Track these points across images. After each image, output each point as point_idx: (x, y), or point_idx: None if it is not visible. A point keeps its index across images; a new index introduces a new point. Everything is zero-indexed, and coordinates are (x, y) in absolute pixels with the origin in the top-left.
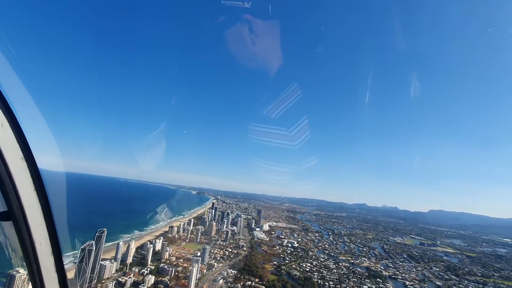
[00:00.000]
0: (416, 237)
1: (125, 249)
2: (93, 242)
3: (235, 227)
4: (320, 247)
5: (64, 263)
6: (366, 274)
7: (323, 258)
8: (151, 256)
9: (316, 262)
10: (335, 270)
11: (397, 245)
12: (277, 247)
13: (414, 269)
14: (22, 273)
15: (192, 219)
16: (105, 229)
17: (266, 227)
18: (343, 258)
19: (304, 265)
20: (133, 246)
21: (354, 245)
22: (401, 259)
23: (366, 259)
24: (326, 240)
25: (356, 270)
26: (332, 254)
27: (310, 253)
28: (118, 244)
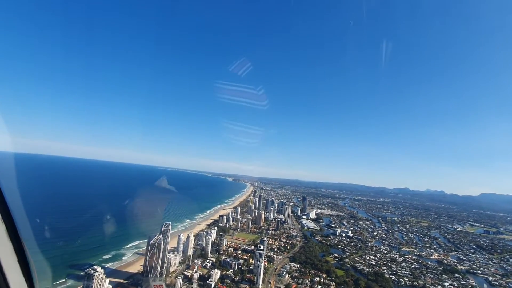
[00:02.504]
0: (475, 224)
1: (185, 240)
2: (161, 236)
3: (282, 215)
4: (377, 237)
5: (26, 250)
6: (440, 268)
7: (384, 249)
8: (210, 247)
9: (379, 254)
10: (404, 264)
11: (459, 234)
12: (331, 237)
13: (490, 262)
14: (99, 271)
15: (239, 208)
16: (170, 222)
17: (312, 214)
18: (406, 249)
19: (368, 258)
20: (192, 238)
21: (412, 234)
22: (471, 250)
23: (432, 250)
24: (380, 228)
25: (427, 263)
26: (392, 244)
27: (369, 244)
28: (179, 236)
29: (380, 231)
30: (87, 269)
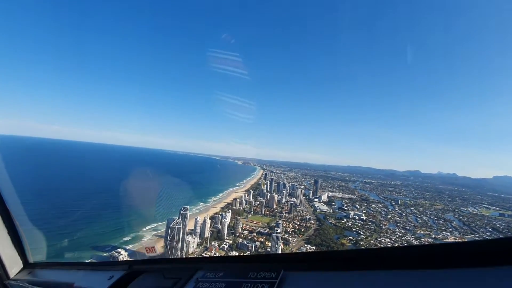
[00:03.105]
0: (490, 207)
1: (202, 223)
2: (180, 220)
3: (294, 198)
4: (391, 220)
5: (17, 224)
6: None
7: (399, 232)
8: (226, 230)
9: (394, 237)
10: None
11: (474, 217)
12: (345, 220)
13: None
14: (123, 254)
15: (251, 191)
16: (188, 206)
17: (324, 197)
18: (421, 232)
19: (383, 240)
20: (209, 220)
21: (426, 217)
22: (487, 233)
23: (447, 233)
24: (393, 211)
25: None
26: (407, 227)
27: (383, 227)
28: (196, 219)
29: (393, 214)
30: (112, 252)
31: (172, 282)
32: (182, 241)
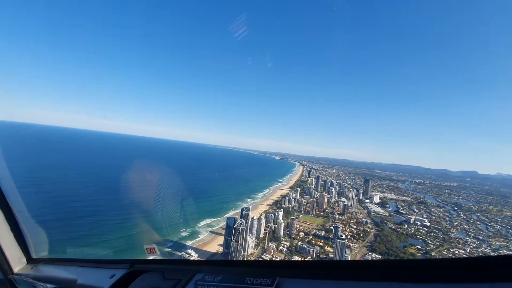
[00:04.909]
0: None
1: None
2: (243, 220)
3: (343, 198)
4: (458, 227)
5: (20, 221)
6: None
7: (472, 242)
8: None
9: (469, 248)
10: None
11: None
12: (406, 225)
13: None
14: (194, 256)
15: (298, 189)
16: (250, 206)
17: (376, 199)
18: (497, 243)
19: (457, 252)
20: (264, 219)
21: (498, 226)
22: None
23: None
24: (457, 217)
25: None
26: (479, 237)
27: (452, 235)
28: (252, 218)
29: (459, 221)
30: (182, 253)
31: (172, 283)
32: (245, 242)
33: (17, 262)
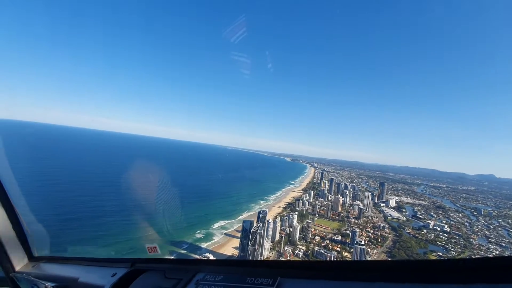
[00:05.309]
0: None
1: (272, 225)
2: (261, 224)
3: (358, 202)
4: (479, 233)
5: (21, 219)
6: None
7: (494, 249)
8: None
9: (492, 256)
10: None
11: None
12: (425, 231)
13: None
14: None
15: (311, 191)
16: (266, 210)
17: (392, 202)
18: None
19: None
20: (279, 222)
21: None
22: None
23: None
24: (477, 223)
25: None
26: (502, 244)
27: (473, 242)
28: (268, 221)
29: (479, 226)
30: (201, 256)
31: (173, 282)
32: (262, 246)
33: (19, 261)
